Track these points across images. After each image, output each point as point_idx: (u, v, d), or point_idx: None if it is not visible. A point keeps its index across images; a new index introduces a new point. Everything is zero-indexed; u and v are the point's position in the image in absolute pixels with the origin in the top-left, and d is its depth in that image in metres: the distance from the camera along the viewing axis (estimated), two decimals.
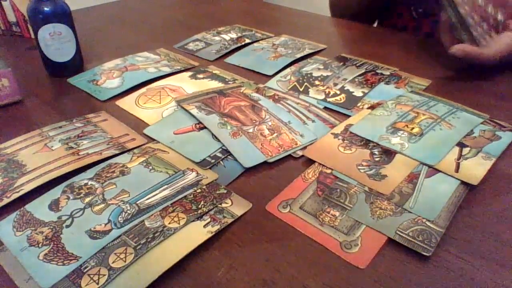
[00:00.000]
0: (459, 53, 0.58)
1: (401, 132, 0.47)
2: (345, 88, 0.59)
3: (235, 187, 0.41)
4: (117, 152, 0.46)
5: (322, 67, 0.65)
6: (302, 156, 0.46)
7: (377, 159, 0.44)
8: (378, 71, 0.63)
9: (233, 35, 0.80)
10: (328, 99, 0.56)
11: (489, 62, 0.58)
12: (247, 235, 0.36)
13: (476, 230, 0.36)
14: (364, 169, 0.42)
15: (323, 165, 0.43)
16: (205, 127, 0.49)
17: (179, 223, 0.36)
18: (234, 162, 0.44)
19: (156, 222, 0.36)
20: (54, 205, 0.38)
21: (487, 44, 0.59)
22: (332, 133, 0.48)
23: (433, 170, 0.42)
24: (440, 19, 0.63)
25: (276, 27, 0.86)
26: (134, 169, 0.43)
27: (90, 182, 0.41)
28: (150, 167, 0.43)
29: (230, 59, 0.71)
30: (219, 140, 0.47)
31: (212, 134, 0.48)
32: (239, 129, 0.49)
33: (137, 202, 0.38)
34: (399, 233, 0.35)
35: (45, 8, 0.59)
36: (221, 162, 0.44)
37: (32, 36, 0.73)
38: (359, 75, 0.62)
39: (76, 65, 0.65)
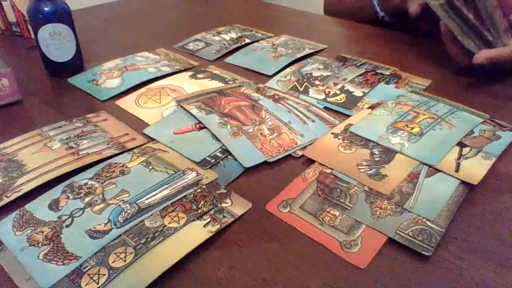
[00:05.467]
0: (486, 61, 0.56)
1: (401, 132, 0.47)
2: (345, 88, 0.59)
3: (235, 187, 0.41)
4: (117, 152, 0.45)
5: (322, 67, 0.65)
6: (302, 156, 0.46)
7: (377, 159, 0.44)
8: (378, 71, 0.63)
9: (233, 35, 0.80)
10: (328, 99, 0.56)
11: (509, 61, 0.57)
12: (247, 235, 0.36)
13: (476, 230, 0.36)
14: (364, 168, 0.42)
15: (323, 165, 0.43)
16: (205, 127, 0.49)
17: (179, 223, 0.36)
18: (234, 162, 0.44)
19: (156, 222, 0.36)
20: (54, 205, 0.38)
21: (507, 43, 0.58)
22: (332, 133, 0.48)
23: (433, 170, 0.42)
24: (440, 27, 0.62)
25: (276, 27, 0.86)
26: (134, 169, 0.43)
27: (90, 182, 0.41)
28: (150, 167, 0.43)
29: (230, 59, 0.71)
30: (219, 140, 0.47)
31: (212, 134, 0.48)
32: (239, 129, 0.49)
33: (137, 202, 0.38)
34: (399, 233, 0.35)
35: (45, 8, 0.59)
36: (221, 162, 0.44)
37: (32, 36, 0.73)
38: (359, 75, 0.62)
39: (76, 65, 0.65)
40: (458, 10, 0.57)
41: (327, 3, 0.99)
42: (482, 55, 0.57)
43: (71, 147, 0.46)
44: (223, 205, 0.38)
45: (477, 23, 0.57)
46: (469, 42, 0.58)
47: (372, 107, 0.53)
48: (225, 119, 0.50)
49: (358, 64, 0.66)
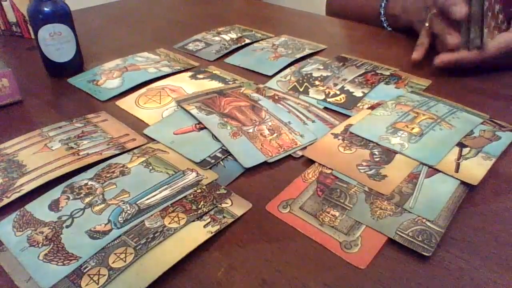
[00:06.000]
0: (444, 65, 0.59)
1: (401, 132, 0.47)
2: (345, 88, 0.59)
3: (235, 187, 0.41)
4: (117, 152, 0.46)
5: (322, 67, 0.65)
6: (302, 156, 0.46)
7: (377, 159, 0.44)
8: (378, 71, 0.63)
9: (233, 35, 0.80)
10: (328, 99, 0.56)
11: (487, 58, 0.58)
12: (247, 235, 0.36)
13: (476, 230, 0.36)
14: (364, 169, 0.42)
15: (323, 165, 0.43)
16: (205, 127, 0.49)
17: (179, 223, 0.36)
18: (234, 162, 0.44)
19: (156, 222, 0.36)
20: (54, 205, 0.38)
21: (485, 44, 0.59)
22: (332, 133, 0.48)
23: (433, 170, 0.42)
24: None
25: (276, 27, 0.86)
26: (134, 169, 0.43)
27: (90, 182, 0.41)
28: (150, 167, 0.43)
29: (230, 59, 0.71)
30: (219, 140, 0.47)
31: (212, 134, 0.48)
32: (239, 129, 0.49)
33: (137, 202, 0.38)
34: (399, 233, 0.35)
35: (45, 8, 0.59)
36: (221, 162, 0.44)
37: (32, 36, 0.73)
38: (359, 75, 0.62)
39: (76, 65, 0.65)
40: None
41: (330, 7, 0.99)
42: (443, 59, 0.59)
43: (71, 148, 0.46)
44: (223, 205, 0.38)
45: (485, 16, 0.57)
46: (464, 34, 0.59)
47: (372, 107, 0.53)
48: (225, 119, 0.50)
49: (358, 65, 0.66)
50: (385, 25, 0.82)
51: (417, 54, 0.65)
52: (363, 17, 0.86)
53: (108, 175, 0.42)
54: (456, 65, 0.59)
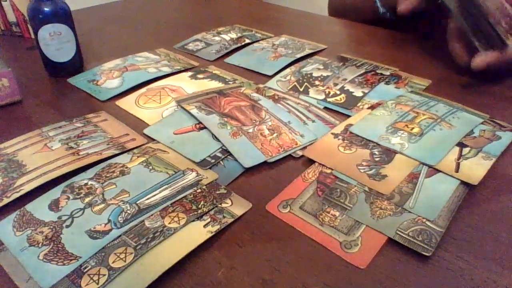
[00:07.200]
0: (482, 65, 0.55)
1: (401, 132, 0.47)
2: (345, 88, 0.59)
3: (235, 187, 0.41)
4: (117, 152, 0.46)
5: (322, 67, 0.65)
6: (302, 156, 0.46)
7: (377, 159, 0.44)
8: (378, 71, 0.63)
9: (233, 35, 0.80)
10: (328, 99, 0.56)
11: (509, 64, 0.56)
12: (247, 235, 0.36)
13: (476, 230, 0.36)
14: (364, 169, 0.42)
15: (323, 165, 0.43)
16: (205, 127, 0.49)
17: (179, 223, 0.36)
18: (234, 162, 0.44)
19: (156, 222, 0.36)
20: (54, 205, 0.38)
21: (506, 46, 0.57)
22: (332, 133, 0.48)
23: (433, 170, 0.42)
24: (448, 25, 0.62)
25: (276, 27, 0.86)
26: (134, 169, 0.43)
27: (90, 182, 0.41)
28: (150, 167, 0.43)
29: (230, 59, 0.71)
30: (219, 140, 0.47)
31: (212, 134, 0.48)
32: (239, 129, 0.49)
33: (137, 202, 0.38)
34: (399, 233, 0.35)
35: (45, 8, 0.59)
36: (221, 162, 0.44)
37: (32, 36, 0.73)
38: (359, 75, 0.62)
39: (76, 65, 0.65)
40: (476, 6, 0.55)
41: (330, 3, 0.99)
42: (479, 61, 0.56)
43: (71, 147, 0.46)
44: (223, 205, 0.38)
45: (492, 19, 0.56)
46: (479, 41, 0.57)
47: (372, 107, 0.53)
48: (225, 119, 0.50)
49: (358, 64, 0.66)
50: (378, 5, 0.80)
51: (403, 7, 0.62)
52: (360, 2, 0.85)
53: (108, 175, 0.42)
54: (494, 66, 0.56)
